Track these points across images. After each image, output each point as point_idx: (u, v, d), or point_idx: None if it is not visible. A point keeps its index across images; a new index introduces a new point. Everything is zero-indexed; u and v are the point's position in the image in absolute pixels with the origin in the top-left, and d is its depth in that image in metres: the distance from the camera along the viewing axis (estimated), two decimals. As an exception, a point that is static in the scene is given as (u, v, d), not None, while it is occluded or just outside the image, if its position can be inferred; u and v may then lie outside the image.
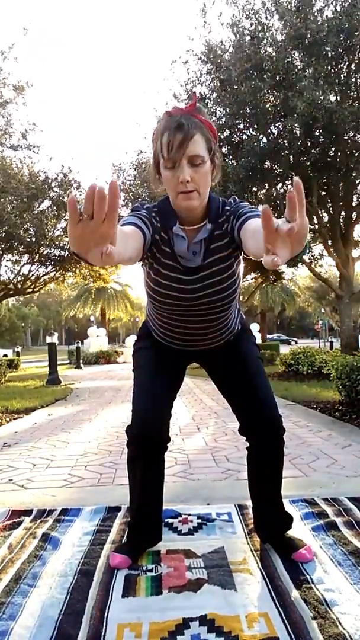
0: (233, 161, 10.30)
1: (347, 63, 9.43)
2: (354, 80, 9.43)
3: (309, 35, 8.62)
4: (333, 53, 8.89)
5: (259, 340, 18.95)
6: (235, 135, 10.70)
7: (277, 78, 9.20)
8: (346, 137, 8.82)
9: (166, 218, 1.28)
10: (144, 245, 1.17)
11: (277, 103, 9.37)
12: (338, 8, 8.89)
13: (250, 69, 9.21)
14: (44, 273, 16.05)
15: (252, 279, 16.07)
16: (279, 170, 10.41)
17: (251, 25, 9.61)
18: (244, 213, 1.19)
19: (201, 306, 1.33)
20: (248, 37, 9.68)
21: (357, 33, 8.39)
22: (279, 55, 9.04)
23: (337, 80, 9.31)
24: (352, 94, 9.07)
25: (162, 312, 1.39)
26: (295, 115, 8.38)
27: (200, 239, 1.28)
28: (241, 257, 1.33)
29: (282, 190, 11.67)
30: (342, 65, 9.47)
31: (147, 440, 1.35)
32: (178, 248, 1.28)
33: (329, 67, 9.13)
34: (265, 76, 9.03)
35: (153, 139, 1.23)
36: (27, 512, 1.89)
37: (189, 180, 1.16)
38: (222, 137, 10.91)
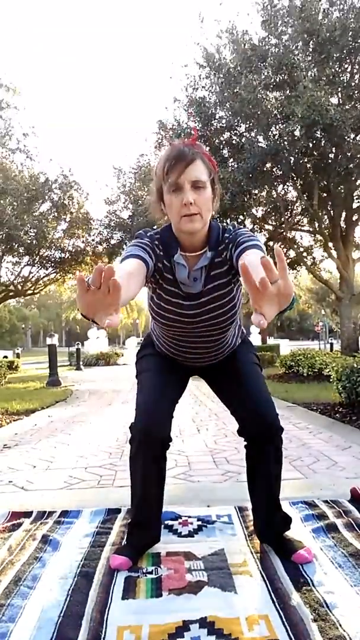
0: (233, 164, 10.31)
1: (350, 64, 9.45)
2: (357, 81, 9.44)
3: (321, 32, 8.60)
4: (338, 54, 8.90)
5: (258, 342, 18.92)
6: (235, 137, 10.70)
7: (281, 76, 9.21)
8: (348, 139, 8.81)
9: (168, 246, 1.33)
10: (146, 274, 1.24)
11: (278, 104, 9.39)
12: (346, 8, 8.90)
13: (253, 60, 9.19)
14: (44, 275, 16.08)
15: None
16: (279, 172, 10.43)
17: (264, 16, 9.61)
18: (242, 242, 1.24)
19: (202, 328, 1.39)
20: (257, 27, 9.68)
21: None
22: (285, 50, 9.02)
23: (342, 81, 9.32)
24: (356, 95, 9.08)
25: (165, 333, 1.45)
26: (296, 118, 8.40)
27: (200, 266, 1.33)
28: (241, 281, 1.37)
29: (282, 192, 11.67)
30: (346, 66, 9.49)
31: (149, 436, 1.37)
32: (179, 275, 1.34)
33: (334, 69, 9.14)
34: (266, 72, 9.03)
35: (155, 172, 1.30)
36: (27, 514, 1.89)
37: (192, 202, 1.21)
38: (222, 139, 10.91)
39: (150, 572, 1.37)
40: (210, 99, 10.62)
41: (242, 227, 1.35)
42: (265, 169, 10.12)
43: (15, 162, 14.15)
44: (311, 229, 11.70)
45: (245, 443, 1.49)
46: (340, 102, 9.57)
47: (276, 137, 9.63)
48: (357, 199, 11.20)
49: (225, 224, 1.38)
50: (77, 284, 0.80)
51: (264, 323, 0.79)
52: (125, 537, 1.55)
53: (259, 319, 0.79)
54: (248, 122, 10.13)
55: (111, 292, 0.79)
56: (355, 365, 4.09)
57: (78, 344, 15.99)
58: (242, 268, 0.78)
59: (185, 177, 1.21)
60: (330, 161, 9.44)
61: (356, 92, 9.31)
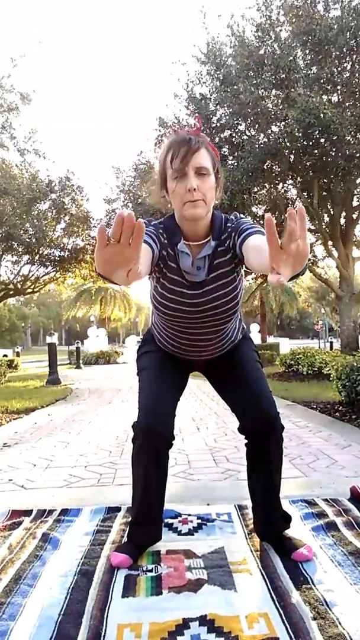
0: (234, 162, 10.29)
1: (350, 64, 9.42)
2: (357, 80, 9.41)
3: (318, 32, 8.58)
4: (337, 53, 8.88)
5: (258, 341, 18.93)
6: (235, 136, 10.68)
7: (279, 76, 9.18)
8: (348, 139, 8.79)
9: (172, 235, 1.35)
10: (152, 261, 1.25)
11: (277, 103, 9.36)
12: (343, 5, 8.88)
13: (251, 65, 9.17)
14: (44, 273, 16.07)
15: (252, 279, 16.07)
16: (278, 170, 10.41)
17: (260, 17, 9.59)
18: (245, 229, 1.26)
19: (205, 318, 1.39)
20: (252, 31, 9.66)
21: None
22: (282, 52, 9.00)
23: (340, 81, 9.29)
24: (357, 94, 9.04)
25: (167, 323, 1.45)
26: (292, 120, 8.40)
27: (204, 255, 1.34)
28: (243, 271, 1.40)
29: (282, 191, 11.64)
30: (346, 65, 9.46)
31: (152, 433, 1.37)
32: (183, 264, 1.35)
33: (333, 67, 9.11)
34: (265, 74, 9.01)
35: (160, 159, 1.31)
36: (27, 513, 1.89)
37: (195, 188, 1.22)
38: (222, 137, 10.88)
39: (150, 570, 1.38)
40: (210, 96, 10.60)
41: (244, 216, 1.37)
42: (265, 167, 10.11)
43: (17, 162, 14.15)
44: (313, 227, 11.68)
45: (246, 441, 1.50)
46: (340, 99, 9.54)
47: (277, 136, 9.61)
48: (356, 197, 11.18)
49: (227, 215, 1.40)
50: (98, 236, 0.77)
51: (282, 279, 0.80)
52: (126, 535, 1.55)
53: (277, 277, 0.80)
54: (248, 121, 10.11)
55: (133, 238, 0.76)
56: (355, 364, 4.09)
57: (78, 342, 16.00)
58: (267, 222, 0.77)
59: (190, 163, 1.22)
60: (329, 160, 9.42)
61: (357, 92, 9.28)
